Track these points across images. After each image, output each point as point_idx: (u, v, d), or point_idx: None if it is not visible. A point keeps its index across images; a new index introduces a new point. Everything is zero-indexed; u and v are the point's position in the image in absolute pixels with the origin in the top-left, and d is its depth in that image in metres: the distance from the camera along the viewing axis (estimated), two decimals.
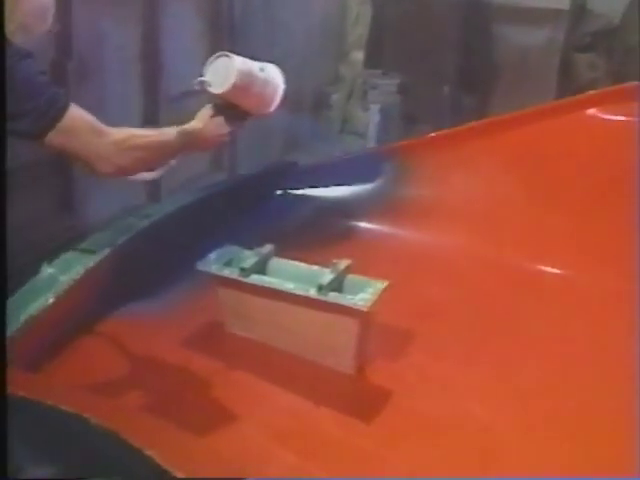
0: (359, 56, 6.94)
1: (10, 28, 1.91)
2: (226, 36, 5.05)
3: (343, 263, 2.40)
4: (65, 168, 3.82)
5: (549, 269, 3.00)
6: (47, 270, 2.40)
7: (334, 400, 2.26)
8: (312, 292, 2.27)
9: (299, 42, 5.94)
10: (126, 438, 1.54)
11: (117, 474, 1.53)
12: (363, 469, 1.96)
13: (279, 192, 3.50)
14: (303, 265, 2.49)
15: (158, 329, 2.50)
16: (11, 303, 2.13)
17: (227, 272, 2.43)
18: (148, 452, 1.49)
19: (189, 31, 4.76)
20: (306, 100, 6.46)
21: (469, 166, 3.35)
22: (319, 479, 1.91)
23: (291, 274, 2.42)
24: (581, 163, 3.14)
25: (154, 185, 4.29)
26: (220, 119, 2.40)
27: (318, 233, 3.13)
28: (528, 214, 3.13)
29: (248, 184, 3.51)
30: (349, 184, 3.48)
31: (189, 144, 2.34)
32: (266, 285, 2.37)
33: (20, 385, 1.59)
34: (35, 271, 2.38)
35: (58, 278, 2.37)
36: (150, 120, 4.05)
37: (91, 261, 2.46)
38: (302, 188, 3.49)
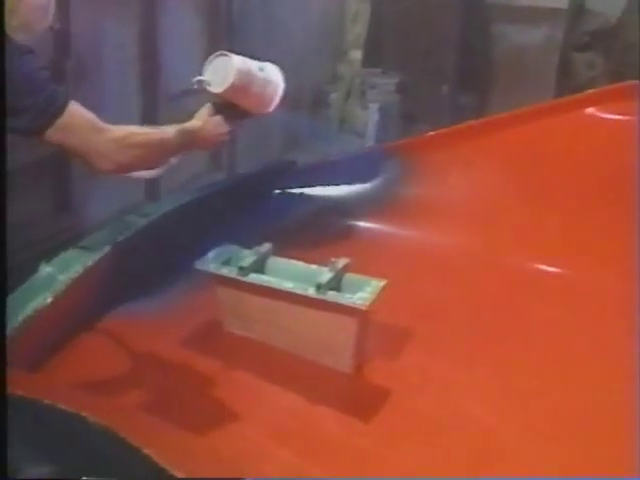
0: (358, 55, 6.94)
1: (11, 25, 1.92)
2: (224, 35, 5.05)
3: (341, 262, 2.40)
4: (63, 168, 3.82)
5: (548, 268, 3.00)
6: (45, 269, 2.39)
7: (333, 399, 2.26)
8: (311, 291, 2.27)
9: (297, 41, 5.94)
10: (124, 437, 1.54)
11: (115, 473, 1.53)
12: (362, 468, 1.96)
13: (278, 191, 3.50)
14: (301, 264, 2.48)
15: (156, 328, 2.50)
16: (9, 302, 2.13)
17: (225, 271, 2.43)
18: (146, 451, 1.49)
19: (187, 30, 4.76)
20: (305, 99, 6.46)
21: (468, 165, 3.35)
22: (318, 479, 1.91)
23: (289, 273, 2.42)
24: (580, 162, 3.14)
25: (153, 184, 4.29)
26: (219, 118, 2.41)
27: (317, 232, 3.13)
28: (527, 213, 3.13)
29: (247, 183, 3.51)
30: (348, 183, 3.48)
31: (188, 143, 2.34)
32: (264, 284, 2.37)
33: (18, 384, 1.59)
34: (33, 270, 2.38)
35: (56, 277, 2.36)
36: (149, 119, 4.05)
37: (90, 260, 2.46)
38: (301, 187, 3.49)
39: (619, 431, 2.05)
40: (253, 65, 2.43)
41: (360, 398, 2.32)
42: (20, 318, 2.17)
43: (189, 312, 2.60)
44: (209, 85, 2.37)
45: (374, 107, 6.31)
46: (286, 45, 5.60)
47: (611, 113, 3.19)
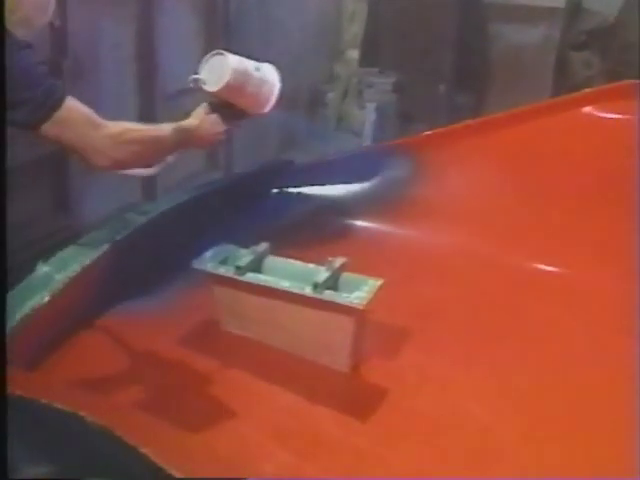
0: (355, 54, 6.94)
1: (12, 20, 1.93)
2: (221, 35, 5.05)
3: (338, 261, 2.40)
4: (61, 167, 3.82)
5: (547, 268, 3.00)
6: (43, 268, 2.39)
7: (330, 398, 2.26)
8: (307, 290, 2.27)
9: (294, 40, 5.94)
10: (121, 436, 1.54)
11: (113, 472, 1.53)
12: (360, 468, 1.96)
13: (275, 190, 3.50)
14: (299, 263, 2.48)
15: (154, 327, 2.50)
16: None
17: (223, 270, 2.43)
18: (143, 450, 1.49)
19: (184, 30, 4.76)
20: (302, 98, 6.46)
21: (465, 164, 3.35)
22: (316, 479, 1.91)
23: (287, 272, 2.42)
24: (577, 161, 3.14)
25: (150, 183, 4.29)
26: (216, 117, 2.41)
27: (314, 231, 3.13)
28: (525, 212, 3.13)
29: (244, 182, 3.51)
30: (345, 182, 3.48)
31: (185, 141, 2.35)
32: (261, 283, 2.37)
33: (16, 383, 1.59)
34: (31, 269, 2.38)
35: (54, 276, 2.36)
36: (146, 118, 4.04)
37: (87, 259, 2.46)
38: (298, 186, 3.49)
39: (618, 431, 2.05)
40: (249, 65, 2.43)
41: (357, 397, 2.32)
42: (17, 317, 2.17)
43: (186, 311, 2.60)
44: (204, 84, 2.37)
45: (371, 106, 6.31)
46: (283, 45, 5.60)
47: (608, 112, 3.19)
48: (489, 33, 6.51)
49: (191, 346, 2.44)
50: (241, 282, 2.40)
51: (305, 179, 3.49)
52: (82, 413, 1.62)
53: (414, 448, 2.05)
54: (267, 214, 3.28)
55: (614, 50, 6.23)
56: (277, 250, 2.56)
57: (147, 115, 4.21)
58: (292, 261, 2.51)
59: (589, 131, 3.19)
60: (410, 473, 1.93)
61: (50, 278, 2.35)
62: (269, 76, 2.49)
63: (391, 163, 3.44)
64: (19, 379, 1.69)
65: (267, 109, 2.53)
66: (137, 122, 2.40)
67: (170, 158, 2.45)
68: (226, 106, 2.44)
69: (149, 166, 2.44)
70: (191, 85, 2.36)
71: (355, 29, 6.97)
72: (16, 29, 2.00)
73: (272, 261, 2.52)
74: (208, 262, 2.46)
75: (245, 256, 2.47)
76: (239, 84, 2.38)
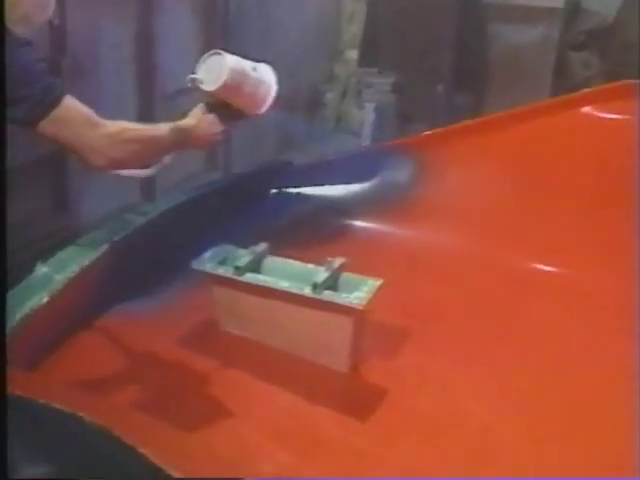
0: (354, 55, 6.94)
1: (11, 18, 1.93)
2: (220, 35, 5.05)
3: (337, 261, 2.40)
4: (60, 167, 3.82)
5: (546, 268, 3.00)
6: (42, 269, 2.39)
7: (329, 399, 2.26)
8: (307, 290, 2.27)
9: (293, 41, 5.95)
10: (120, 436, 1.54)
11: (112, 473, 1.53)
12: (359, 468, 1.96)
13: (274, 191, 3.50)
14: (298, 263, 2.48)
15: (153, 327, 2.49)
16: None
17: (222, 271, 2.43)
18: (142, 450, 1.49)
19: (184, 30, 4.76)
20: (301, 99, 6.46)
21: (464, 164, 3.35)
22: (315, 479, 1.91)
23: (286, 273, 2.42)
24: (576, 161, 3.14)
25: (149, 184, 4.29)
26: (213, 117, 2.41)
27: (313, 232, 3.13)
28: (524, 212, 3.13)
29: (243, 183, 3.51)
30: (344, 183, 3.48)
31: (182, 141, 2.34)
32: (260, 284, 2.37)
33: (15, 384, 1.59)
34: (30, 270, 2.38)
35: (53, 277, 2.36)
36: (145, 118, 4.04)
37: (86, 260, 2.46)
38: (297, 187, 3.49)
39: (618, 431, 2.05)
40: (247, 65, 2.43)
41: (357, 398, 2.32)
42: (17, 317, 2.17)
43: (185, 311, 2.60)
44: (202, 83, 2.37)
45: (370, 107, 6.32)
46: (282, 45, 5.61)
47: (607, 112, 3.19)
48: (488, 33, 6.51)
49: (190, 346, 2.44)
50: (240, 282, 2.40)
51: (304, 179, 3.49)
52: (81, 413, 1.62)
53: (414, 448, 2.05)
54: (266, 214, 3.28)
55: (613, 50, 6.23)
56: (276, 250, 2.56)
57: (146, 115, 4.21)
58: (291, 261, 2.51)
59: (588, 131, 3.19)
60: (410, 473, 1.93)
61: (49, 278, 2.35)
62: (266, 76, 2.49)
63: (390, 163, 3.44)
64: (18, 379, 1.69)
65: (264, 109, 2.53)
66: (136, 122, 2.39)
67: (166, 159, 2.45)
68: (223, 106, 2.44)
69: (146, 166, 2.44)
70: (189, 85, 2.36)
71: (354, 29, 6.98)
72: (16, 26, 2.00)
73: (271, 261, 2.52)
74: (207, 262, 2.46)
75: (244, 256, 2.47)
76: (237, 83, 2.38)
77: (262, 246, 2.54)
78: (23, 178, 3.43)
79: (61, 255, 2.46)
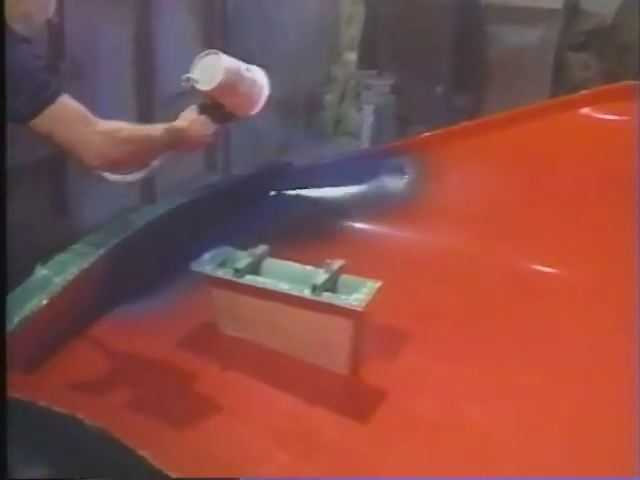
0: (352, 57, 6.94)
1: (12, 15, 1.94)
2: (219, 37, 5.05)
3: (337, 263, 2.40)
4: (60, 170, 3.82)
5: (545, 269, 3.00)
6: (41, 271, 2.39)
7: (329, 401, 2.26)
8: (306, 292, 2.27)
9: (292, 43, 5.95)
10: (120, 438, 1.54)
11: (111, 475, 1.53)
12: (359, 470, 1.96)
13: (273, 193, 3.50)
14: (297, 265, 2.48)
15: (152, 330, 2.49)
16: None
17: (221, 273, 2.43)
18: (141, 452, 1.49)
19: (182, 32, 4.76)
20: (300, 101, 6.46)
21: (464, 166, 3.35)
22: (314, 479, 1.91)
23: (285, 274, 2.42)
24: (575, 162, 3.14)
25: (148, 186, 4.29)
26: (205, 119, 2.42)
27: (313, 234, 3.12)
28: (523, 214, 3.13)
29: (242, 185, 3.51)
30: (343, 185, 3.48)
31: (175, 142, 2.34)
32: (260, 286, 2.37)
33: (15, 386, 1.59)
34: (29, 272, 2.38)
35: (52, 279, 2.36)
36: (144, 121, 4.03)
37: (85, 262, 2.46)
38: (296, 189, 3.49)
39: (618, 432, 2.05)
40: (241, 65, 2.44)
41: (357, 400, 2.32)
42: (16, 320, 2.17)
43: (185, 314, 2.59)
44: (197, 83, 2.37)
45: (369, 109, 6.32)
46: (281, 47, 5.61)
47: (606, 113, 3.19)
48: (487, 34, 6.51)
49: (189, 348, 2.44)
50: (239, 284, 2.39)
51: (303, 181, 3.49)
52: (80, 415, 1.62)
53: (413, 450, 2.05)
54: (265, 216, 3.28)
55: (612, 51, 6.23)
56: (276, 252, 2.56)
57: (145, 117, 4.21)
58: (291, 263, 2.51)
59: (587, 132, 3.19)
60: (410, 475, 1.93)
61: (49, 281, 2.36)
62: (259, 78, 2.50)
63: (389, 165, 3.44)
64: (18, 382, 1.69)
65: (256, 110, 2.53)
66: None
67: (155, 163, 2.45)
68: (215, 107, 2.44)
69: (139, 167, 2.44)
70: (184, 84, 2.36)
71: (353, 31, 6.98)
72: (16, 24, 2.01)
73: (270, 263, 2.52)
74: (206, 264, 2.46)
75: (243, 258, 2.47)
76: (232, 83, 2.38)
77: (261, 248, 2.54)
78: (23, 180, 3.43)
79: (60, 257, 2.47)
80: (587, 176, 3.08)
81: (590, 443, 2.04)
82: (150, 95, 4.45)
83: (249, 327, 2.47)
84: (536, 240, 3.04)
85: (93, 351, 2.40)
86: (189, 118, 2.40)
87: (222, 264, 2.46)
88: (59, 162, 3.72)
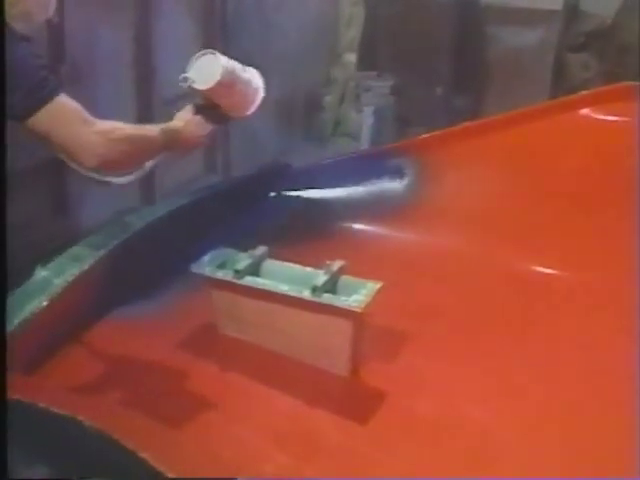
0: (352, 58, 6.94)
1: (12, 13, 1.94)
2: (219, 39, 5.05)
3: (337, 264, 2.40)
4: (60, 171, 3.82)
5: (545, 270, 3.00)
6: (41, 273, 2.39)
7: (329, 402, 2.26)
8: (306, 294, 2.27)
9: (292, 45, 5.95)
10: (120, 440, 1.54)
11: (111, 476, 1.53)
12: (359, 471, 1.96)
13: (273, 194, 3.50)
14: (297, 267, 2.48)
15: (152, 331, 2.49)
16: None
17: (221, 274, 2.43)
18: (142, 454, 1.49)
19: (182, 34, 4.76)
20: (299, 102, 6.46)
21: (463, 167, 3.35)
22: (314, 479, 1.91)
23: (285, 276, 2.42)
24: (575, 163, 3.14)
25: (148, 188, 4.29)
26: (200, 119, 2.42)
27: (312, 235, 3.13)
28: (523, 215, 3.13)
29: (242, 186, 3.51)
30: (343, 186, 3.48)
31: (171, 143, 2.34)
32: (260, 287, 2.37)
33: (14, 388, 1.59)
34: (29, 274, 2.38)
35: (52, 281, 2.36)
36: (144, 123, 4.04)
37: (85, 264, 2.46)
38: (296, 190, 3.49)
39: (618, 432, 2.05)
40: (237, 65, 2.44)
41: (356, 401, 2.32)
42: (16, 322, 2.17)
43: (185, 315, 2.59)
44: (194, 82, 2.37)
45: (369, 110, 6.33)
46: (281, 49, 5.61)
47: (606, 114, 3.19)
48: (487, 36, 6.51)
49: (189, 350, 2.44)
50: (239, 286, 2.39)
51: (303, 182, 3.49)
52: (80, 417, 1.62)
53: (413, 451, 2.05)
54: (265, 217, 3.28)
55: (612, 52, 6.23)
56: (275, 253, 2.56)
57: (145, 119, 4.20)
58: (290, 264, 2.50)
59: (587, 133, 3.19)
60: (409, 476, 1.93)
61: (49, 282, 2.36)
62: (254, 79, 2.51)
63: (389, 166, 3.44)
64: (18, 383, 1.69)
65: (251, 111, 2.54)
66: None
67: (148, 164, 2.44)
68: (211, 107, 2.44)
69: (135, 167, 2.43)
70: (181, 84, 2.36)
71: (352, 33, 6.98)
72: (16, 22, 2.01)
73: (270, 265, 2.52)
74: (206, 266, 2.46)
75: (243, 260, 2.47)
76: (229, 82, 2.38)
77: (261, 249, 2.54)
78: (23, 182, 3.43)
79: (60, 259, 2.47)
80: (587, 177, 3.08)
81: (590, 443, 2.04)
82: (150, 97, 4.45)
83: (249, 328, 2.47)
84: (536, 241, 3.04)
85: (93, 353, 2.40)
86: (184, 118, 2.40)
87: (222, 265, 2.46)
88: (59, 163, 3.71)
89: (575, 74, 6.39)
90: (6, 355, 1.51)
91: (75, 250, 2.53)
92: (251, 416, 2.15)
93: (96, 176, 2.37)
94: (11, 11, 1.95)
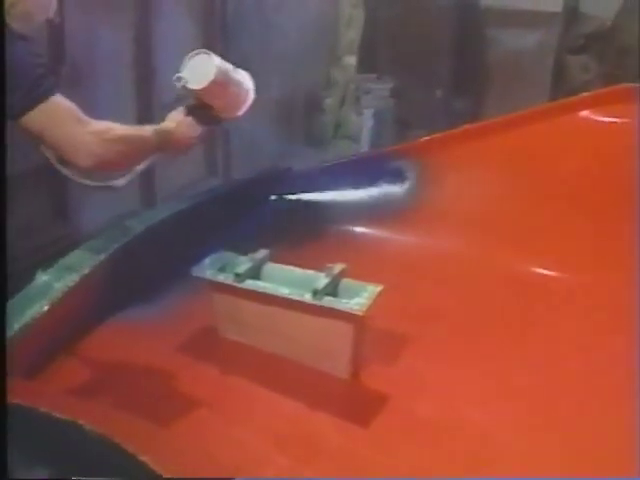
0: (352, 60, 6.94)
1: (11, 13, 1.95)
2: (219, 40, 5.05)
3: (338, 267, 2.40)
4: (60, 175, 3.81)
5: (545, 272, 3.00)
6: (42, 277, 2.39)
7: (330, 405, 2.26)
8: (307, 297, 2.27)
9: (292, 47, 5.95)
10: (120, 444, 1.54)
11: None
12: (360, 474, 1.96)
13: (274, 197, 3.50)
14: (298, 270, 2.48)
15: (153, 335, 2.49)
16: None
17: (221, 277, 2.43)
18: (142, 458, 1.49)
19: (182, 35, 4.76)
20: (299, 105, 6.46)
21: (464, 169, 3.35)
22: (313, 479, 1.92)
23: (286, 279, 2.42)
24: (574, 164, 3.15)
25: (149, 191, 4.29)
26: (192, 120, 2.42)
27: (313, 238, 3.13)
28: (522, 216, 3.13)
29: (243, 189, 3.51)
30: (343, 189, 3.48)
31: (163, 144, 2.34)
32: (261, 290, 2.37)
33: (15, 392, 1.59)
34: (30, 278, 2.38)
35: (53, 285, 2.36)
36: (144, 124, 4.04)
37: (86, 268, 2.46)
38: (296, 193, 3.49)
39: (619, 432, 2.05)
40: (229, 66, 2.44)
41: (357, 404, 2.32)
42: (17, 326, 2.17)
43: (185, 319, 2.60)
44: (187, 82, 2.37)
45: (369, 112, 6.32)
46: (281, 51, 5.61)
47: (606, 116, 3.19)
48: (487, 38, 6.51)
49: (190, 353, 2.44)
50: (240, 289, 2.39)
51: (303, 185, 3.49)
52: (81, 421, 1.62)
53: (414, 453, 2.05)
54: (266, 221, 3.28)
55: (611, 54, 6.23)
56: (276, 257, 2.56)
57: (145, 120, 4.19)
58: (291, 268, 2.50)
59: (587, 135, 3.19)
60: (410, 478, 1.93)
61: (49, 287, 2.36)
62: (245, 80, 2.51)
63: (389, 169, 3.45)
64: (18, 388, 1.69)
65: (242, 112, 2.54)
66: None
67: (139, 167, 2.44)
68: (202, 108, 2.44)
69: (129, 168, 2.43)
70: (174, 83, 2.36)
71: (352, 35, 6.98)
72: (15, 22, 2.01)
73: (271, 268, 2.52)
74: (207, 269, 2.46)
75: (244, 263, 2.47)
76: (222, 82, 2.39)
77: (262, 253, 2.54)
78: (23, 186, 3.43)
79: (61, 263, 2.47)
80: (587, 179, 3.08)
81: (590, 444, 2.05)
82: (150, 98, 4.45)
83: (250, 332, 2.47)
84: (535, 243, 3.04)
85: (93, 357, 2.40)
86: (176, 119, 2.40)
87: (223, 269, 2.46)
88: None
89: (575, 76, 6.39)
90: (6, 359, 1.50)
91: (76, 254, 2.53)
92: (252, 419, 2.15)
93: (89, 182, 2.37)
94: (11, 11, 1.95)
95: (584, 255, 2.91)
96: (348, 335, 2.28)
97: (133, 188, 3.72)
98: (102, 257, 2.52)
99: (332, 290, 2.33)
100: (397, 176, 3.42)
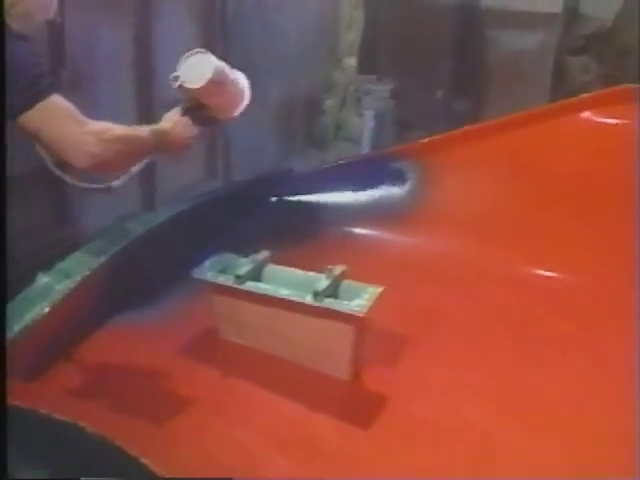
0: (352, 62, 6.93)
1: (11, 13, 1.95)
2: (219, 41, 5.05)
3: (338, 269, 2.40)
4: (60, 177, 3.82)
5: (545, 273, 3.00)
6: (43, 279, 2.39)
7: (330, 406, 2.26)
8: (308, 298, 2.27)
9: (292, 48, 5.95)
10: (121, 445, 1.54)
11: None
12: (360, 474, 1.96)
13: (274, 198, 3.51)
14: (298, 271, 2.48)
15: (153, 336, 2.50)
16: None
17: (222, 279, 2.43)
18: (144, 459, 1.49)
19: (182, 35, 4.76)
20: (299, 106, 6.46)
21: (464, 170, 3.35)
22: None
23: (286, 280, 2.42)
24: (575, 165, 3.15)
25: (149, 193, 4.29)
26: (187, 120, 2.41)
27: (313, 239, 3.13)
28: (523, 217, 3.13)
29: (243, 191, 3.52)
30: (344, 190, 3.48)
31: (160, 144, 2.34)
32: (261, 292, 2.37)
33: (15, 394, 1.59)
34: (31, 280, 2.38)
35: (53, 287, 2.37)
36: (144, 124, 4.04)
37: (87, 270, 2.46)
38: (297, 194, 3.49)
39: (619, 432, 2.06)
40: (225, 66, 2.44)
41: (358, 405, 2.32)
42: (18, 328, 2.17)
43: (186, 320, 2.60)
44: (184, 82, 2.36)
45: (369, 114, 6.31)
46: (281, 51, 5.60)
47: (606, 117, 3.19)
48: (487, 39, 6.50)
49: (191, 355, 2.44)
50: (241, 291, 2.40)
51: (304, 187, 3.49)
52: (82, 423, 1.63)
53: (414, 454, 2.05)
54: (266, 222, 3.28)
55: (612, 55, 6.22)
56: (277, 258, 2.56)
57: (145, 121, 4.19)
58: (292, 269, 2.51)
59: (587, 136, 3.19)
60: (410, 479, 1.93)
61: (50, 289, 2.36)
62: (241, 80, 2.51)
63: (390, 170, 3.45)
64: (18, 389, 1.69)
65: (237, 112, 2.54)
66: None
67: (134, 168, 2.43)
68: (198, 108, 2.44)
69: (127, 169, 2.42)
70: (171, 83, 2.36)
71: (352, 36, 6.97)
72: (15, 22, 2.01)
73: (272, 269, 2.52)
74: (208, 271, 2.46)
75: (245, 265, 2.47)
76: (219, 81, 2.38)
77: (263, 254, 2.54)
78: (24, 188, 3.43)
79: (62, 265, 2.47)
80: (587, 180, 3.09)
81: (590, 444, 2.05)
82: (150, 98, 4.45)
83: (250, 333, 2.47)
84: (536, 244, 3.04)
85: (94, 359, 2.40)
86: (172, 119, 2.40)
87: (223, 271, 2.47)
88: None
89: (575, 77, 6.38)
90: (6, 361, 1.51)
91: (76, 256, 2.53)
92: (252, 420, 2.15)
93: (85, 185, 2.37)
94: (11, 11, 1.95)
95: (584, 256, 2.91)
96: (348, 336, 2.28)
97: (133, 190, 3.72)
98: (103, 259, 2.53)
99: (333, 291, 2.33)
100: (397, 177, 3.42)
